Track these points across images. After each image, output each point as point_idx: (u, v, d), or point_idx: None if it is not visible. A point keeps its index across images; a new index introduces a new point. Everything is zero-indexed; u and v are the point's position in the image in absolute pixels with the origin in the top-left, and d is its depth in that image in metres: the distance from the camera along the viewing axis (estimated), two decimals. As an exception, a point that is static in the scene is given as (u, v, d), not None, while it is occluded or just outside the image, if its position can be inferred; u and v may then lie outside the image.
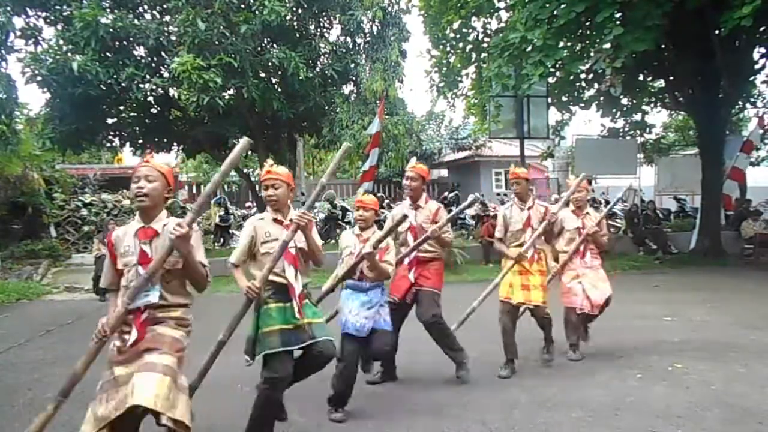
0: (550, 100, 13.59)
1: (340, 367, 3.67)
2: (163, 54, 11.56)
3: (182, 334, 2.61)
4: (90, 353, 2.47)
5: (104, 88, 10.86)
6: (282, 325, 3.08)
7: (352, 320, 3.67)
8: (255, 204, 15.42)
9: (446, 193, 17.93)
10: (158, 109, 12.95)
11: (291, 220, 3.09)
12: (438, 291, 4.26)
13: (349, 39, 12.85)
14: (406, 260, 4.25)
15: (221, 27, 10.41)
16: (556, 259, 5.12)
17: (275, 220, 3.23)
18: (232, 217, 15.59)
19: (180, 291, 2.67)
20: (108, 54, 10.86)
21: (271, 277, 3.08)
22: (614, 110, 13.90)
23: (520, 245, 4.58)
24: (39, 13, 11.34)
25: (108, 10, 11.07)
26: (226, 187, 23.10)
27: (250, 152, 16.07)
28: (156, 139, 13.44)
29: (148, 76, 11.10)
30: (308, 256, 3.25)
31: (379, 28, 12.73)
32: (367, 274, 3.75)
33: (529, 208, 4.62)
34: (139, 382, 2.33)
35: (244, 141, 2.81)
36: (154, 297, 2.54)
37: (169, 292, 2.61)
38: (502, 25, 12.87)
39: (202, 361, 2.95)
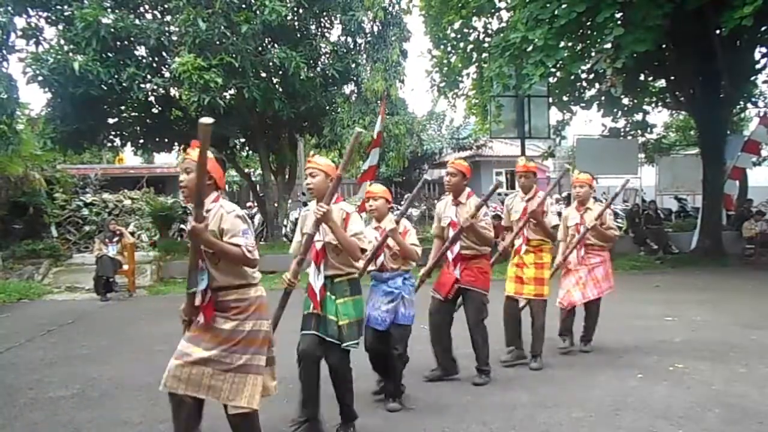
0: (550, 100, 13.56)
1: (370, 357, 3.81)
2: (164, 54, 11.54)
3: (236, 323, 2.65)
4: (184, 334, 2.72)
5: (105, 88, 10.83)
6: (306, 310, 3.33)
7: (374, 314, 3.74)
8: (255, 204, 15.41)
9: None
10: (159, 109, 12.93)
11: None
12: (485, 292, 4.25)
13: (350, 39, 12.82)
14: (450, 256, 4.22)
15: (222, 27, 10.40)
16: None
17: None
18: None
19: (231, 271, 2.66)
20: (109, 54, 10.84)
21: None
22: (615, 110, 13.86)
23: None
24: (40, 13, 11.31)
25: (109, 10, 11.04)
26: (226, 186, 23.11)
27: (250, 152, 16.06)
28: (157, 139, 13.43)
29: (149, 76, 11.07)
30: (339, 250, 3.24)
31: (380, 28, 12.71)
32: (389, 264, 3.78)
33: (528, 200, 4.65)
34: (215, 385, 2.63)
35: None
36: (203, 284, 2.60)
37: (220, 273, 2.64)
38: (503, 25, 12.85)
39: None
